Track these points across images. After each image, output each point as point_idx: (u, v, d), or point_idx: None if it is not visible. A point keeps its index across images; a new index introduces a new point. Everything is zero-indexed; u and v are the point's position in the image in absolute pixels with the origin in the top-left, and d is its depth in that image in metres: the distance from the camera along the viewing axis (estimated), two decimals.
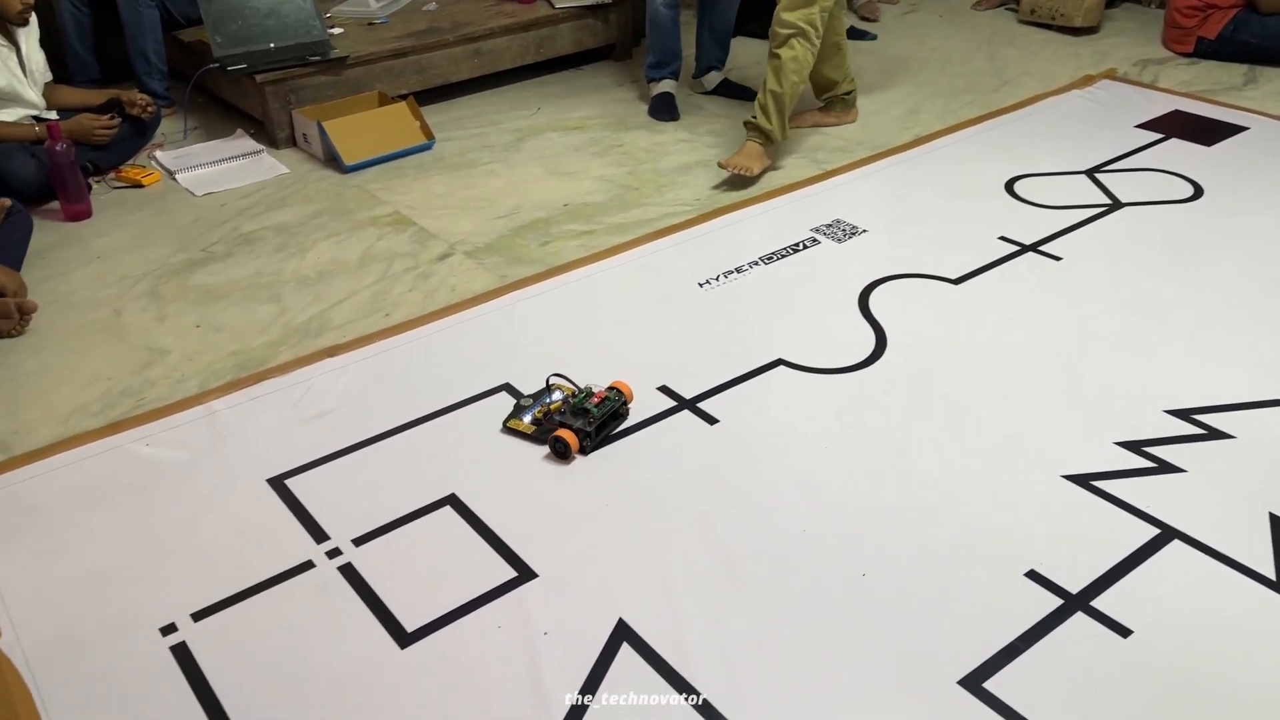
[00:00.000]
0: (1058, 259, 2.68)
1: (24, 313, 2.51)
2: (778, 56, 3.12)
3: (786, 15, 3.09)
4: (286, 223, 3.03)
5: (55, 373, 2.36)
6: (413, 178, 3.31)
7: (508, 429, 2.11)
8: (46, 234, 2.95)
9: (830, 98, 3.51)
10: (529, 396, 2.18)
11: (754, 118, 3.18)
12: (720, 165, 3.15)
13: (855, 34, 4.28)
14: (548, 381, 2.20)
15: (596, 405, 2.08)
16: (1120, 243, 2.75)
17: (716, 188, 3.14)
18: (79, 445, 2.10)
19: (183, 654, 1.63)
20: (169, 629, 1.67)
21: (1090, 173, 3.14)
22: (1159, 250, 2.70)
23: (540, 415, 2.12)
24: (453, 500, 1.94)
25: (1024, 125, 3.51)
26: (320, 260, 2.83)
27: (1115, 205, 2.94)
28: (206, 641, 1.65)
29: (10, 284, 2.50)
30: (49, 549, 1.85)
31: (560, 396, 2.16)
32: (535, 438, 2.08)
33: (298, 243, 2.91)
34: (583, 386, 2.16)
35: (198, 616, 1.70)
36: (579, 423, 2.04)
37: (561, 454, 2.02)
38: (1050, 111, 3.62)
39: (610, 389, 2.14)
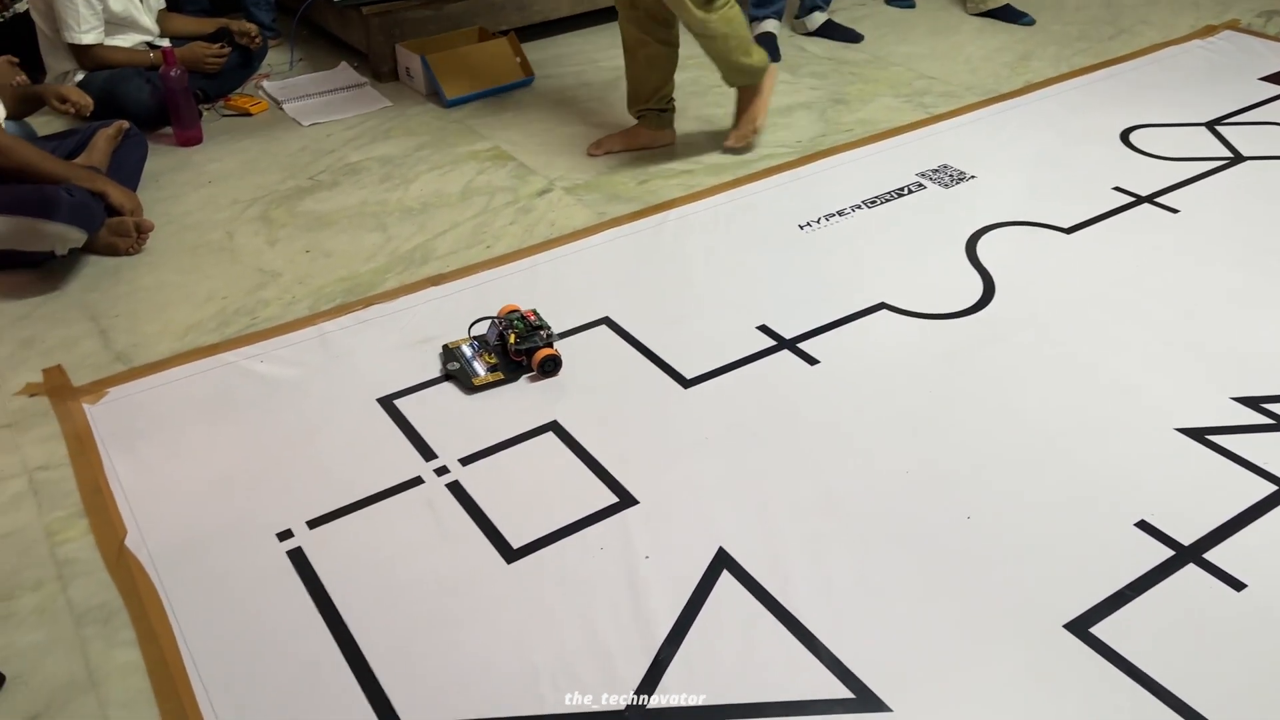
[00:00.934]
0: (1175, 211, 2.59)
1: (141, 231, 2.60)
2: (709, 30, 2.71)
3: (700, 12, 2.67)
4: (390, 155, 3.07)
5: (172, 290, 2.44)
6: (513, 113, 3.33)
7: (475, 388, 2.06)
8: (160, 158, 3.04)
9: (646, 110, 2.96)
10: (453, 355, 2.14)
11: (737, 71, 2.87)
12: (729, 148, 2.97)
13: None
14: (469, 332, 2.19)
15: (528, 320, 2.13)
16: (1241, 197, 2.65)
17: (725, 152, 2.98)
18: (197, 360, 2.18)
19: (299, 558, 1.69)
20: (285, 534, 1.74)
21: (1211, 125, 3.02)
22: None
23: (491, 359, 2.11)
24: (555, 427, 1.97)
25: (1141, 75, 3.38)
26: (423, 192, 2.87)
27: (1236, 159, 2.82)
28: (321, 547, 1.71)
29: (128, 203, 2.58)
30: (170, 455, 1.93)
31: (492, 331, 2.15)
32: (508, 378, 2.08)
33: (401, 174, 2.95)
34: (500, 319, 2.15)
35: (313, 524, 1.76)
36: (540, 337, 2.10)
37: (553, 370, 2.08)
38: (1169, 62, 3.48)
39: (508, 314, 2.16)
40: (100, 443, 1.96)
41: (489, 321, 2.16)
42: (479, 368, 2.09)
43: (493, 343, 2.14)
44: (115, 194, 2.53)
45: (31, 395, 2.10)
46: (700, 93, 3.39)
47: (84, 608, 1.63)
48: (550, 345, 2.08)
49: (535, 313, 2.15)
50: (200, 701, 1.46)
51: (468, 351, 2.12)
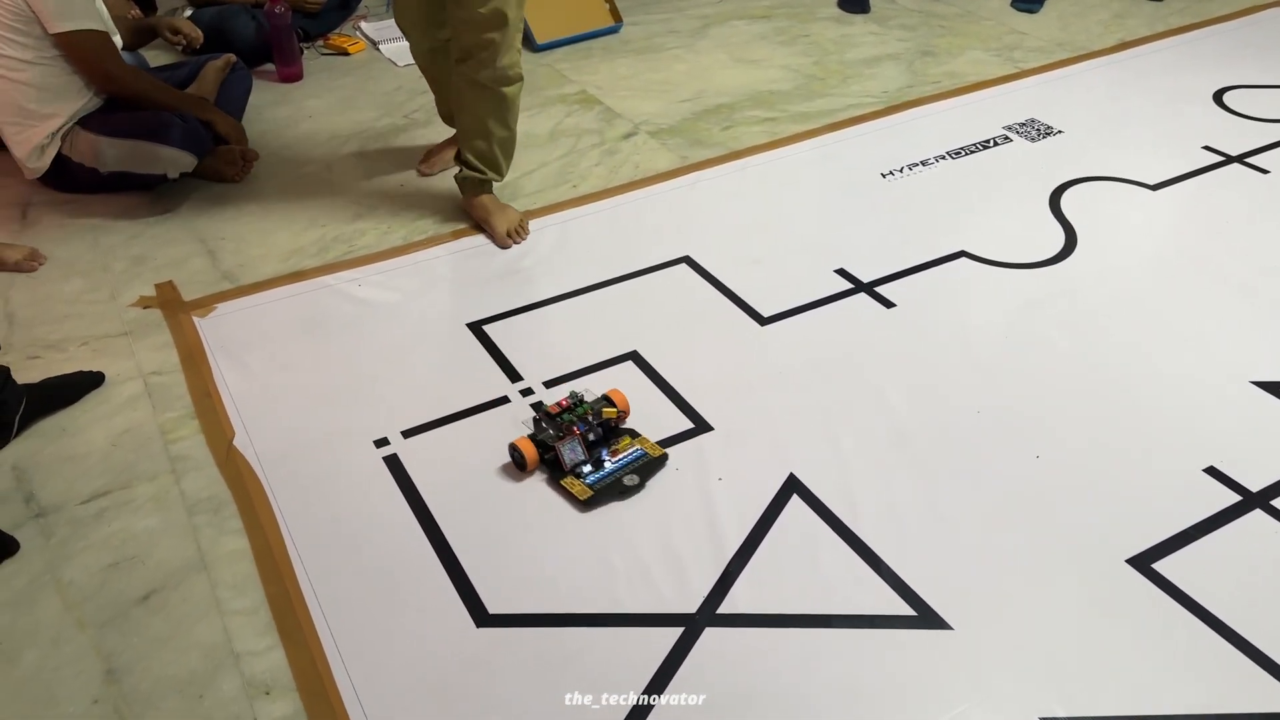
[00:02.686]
0: (1265, 172, 2.56)
1: (247, 160, 2.72)
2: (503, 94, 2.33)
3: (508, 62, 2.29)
4: None
5: (274, 217, 2.56)
6: (600, 59, 3.38)
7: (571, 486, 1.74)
8: (262, 93, 3.16)
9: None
10: (602, 479, 1.73)
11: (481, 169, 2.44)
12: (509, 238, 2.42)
13: None
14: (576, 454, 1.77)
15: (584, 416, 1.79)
16: None
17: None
18: (299, 281, 2.30)
19: (394, 464, 1.80)
20: (382, 442, 1.85)
21: None
22: None
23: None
24: (634, 356, 2.04)
25: (1238, 35, 3.31)
26: None
27: None
28: (415, 455, 1.81)
29: (234, 133, 2.70)
30: (274, 367, 2.05)
31: (574, 449, 1.75)
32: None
33: None
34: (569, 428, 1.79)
35: (407, 434, 1.86)
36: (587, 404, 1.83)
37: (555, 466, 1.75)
38: (1267, 23, 3.40)
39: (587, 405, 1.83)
40: (209, 352, 2.09)
41: (567, 449, 1.74)
42: (632, 453, 1.78)
43: (592, 448, 1.78)
44: (222, 123, 2.65)
45: (145, 307, 2.24)
46: (787, 43, 3.41)
47: (195, 499, 1.76)
48: (615, 408, 1.82)
49: (559, 406, 1.83)
50: (303, 585, 1.58)
51: (604, 472, 1.75)
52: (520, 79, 2.33)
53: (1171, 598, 1.51)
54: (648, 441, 1.81)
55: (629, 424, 1.85)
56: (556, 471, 1.74)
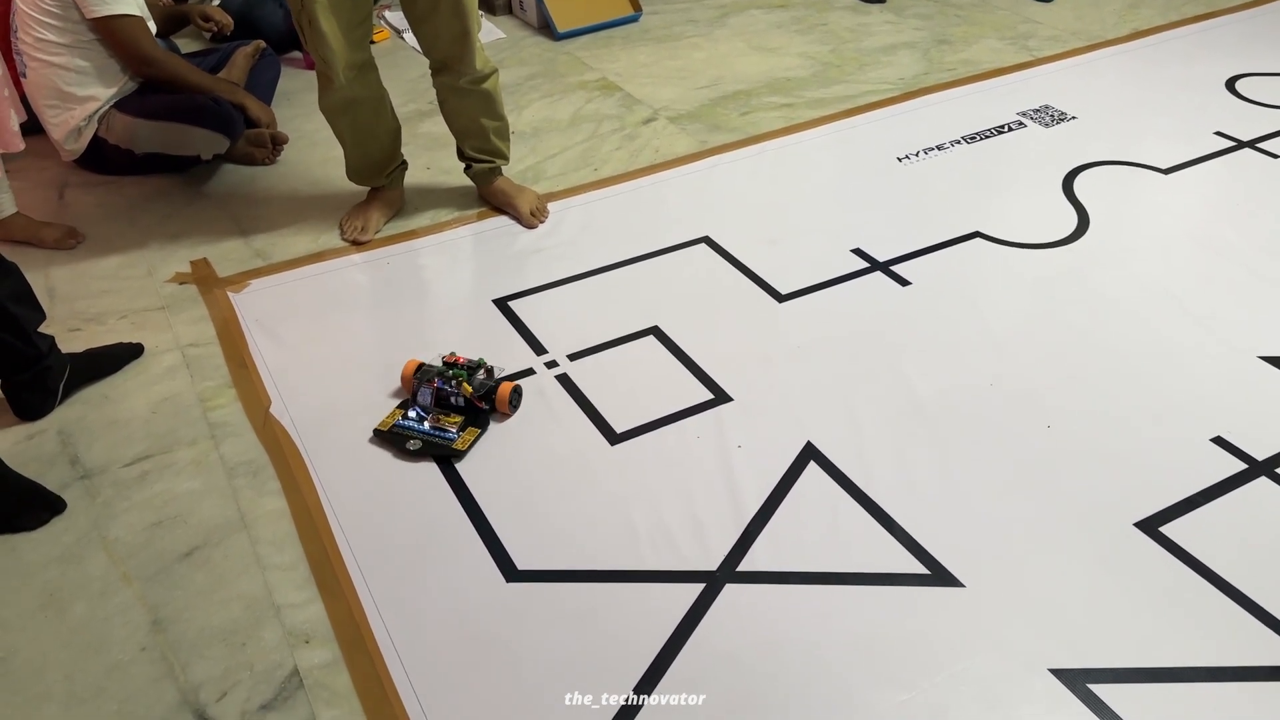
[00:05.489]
0: (1275, 157, 2.60)
1: (277, 143, 2.79)
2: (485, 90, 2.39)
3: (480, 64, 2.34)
4: (503, 83, 3.19)
5: (304, 198, 2.63)
6: (619, 47, 3.44)
7: (461, 451, 1.80)
8: (291, 79, 3.23)
9: (393, 171, 2.51)
10: (401, 437, 1.83)
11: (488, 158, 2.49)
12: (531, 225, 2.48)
13: None
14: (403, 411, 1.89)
15: (461, 365, 1.92)
16: None
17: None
18: (330, 259, 2.37)
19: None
20: None
21: None
22: None
23: (454, 418, 1.86)
24: (656, 331, 2.10)
25: (1251, 24, 3.34)
26: (534, 118, 3.01)
27: None
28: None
29: (264, 116, 2.77)
30: (307, 339, 2.12)
31: (425, 394, 1.88)
32: (483, 428, 1.85)
33: (514, 101, 3.10)
34: (432, 381, 1.89)
35: None
36: (489, 377, 1.91)
37: (519, 401, 1.90)
38: (1279, 12, 3.43)
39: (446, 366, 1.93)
40: (244, 325, 2.16)
41: (420, 390, 1.88)
42: (451, 431, 1.83)
43: (439, 404, 1.88)
44: (253, 106, 2.72)
45: (181, 283, 2.31)
46: (804, 31, 3.45)
47: (234, 462, 1.83)
48: (501, 380, 1.90)
49: (454, 354, 1.94)
50: (340, 543, 1.65)
51: (416, 425, 1.84)
52: (495, 70, 2.39)
53: (1178, 559, 1.56)
54: (471, 435, 1.82)
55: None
56: (405, 403, 1.91)
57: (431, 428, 1.84)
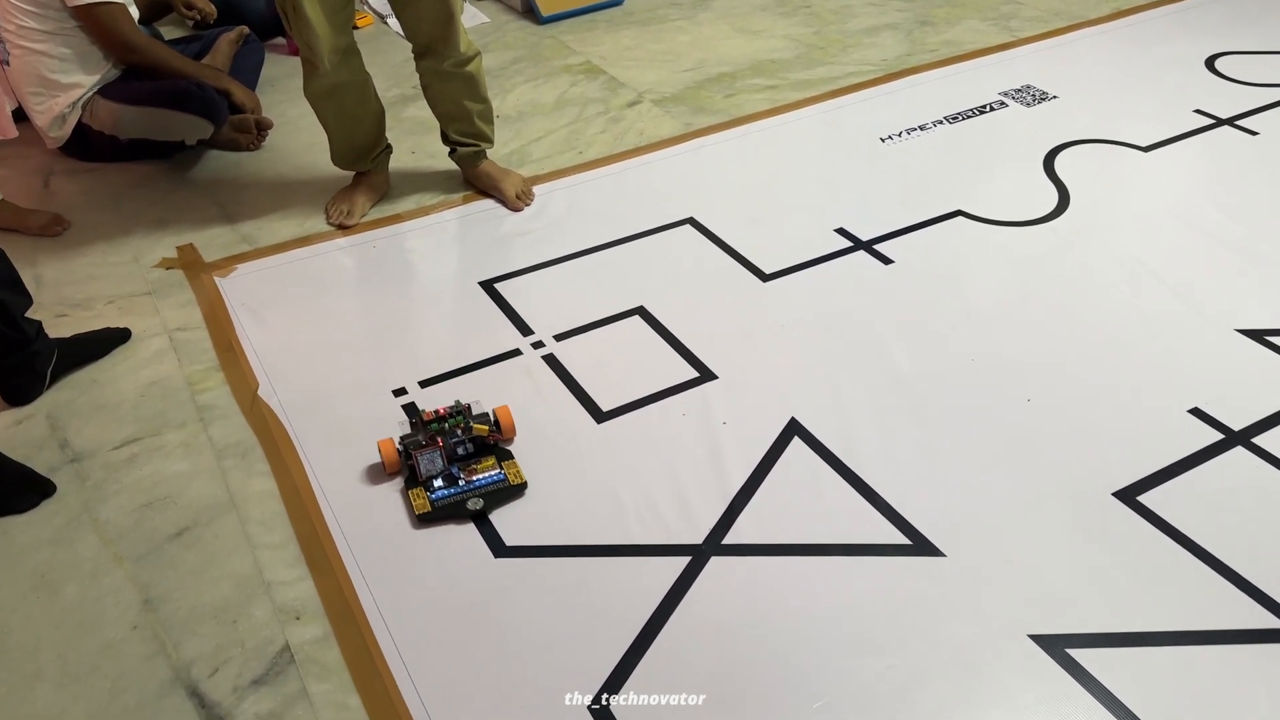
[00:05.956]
0: (1254, 134, 2.63)
1: (262, 129, 2.79)
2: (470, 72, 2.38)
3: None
4: (487, 67, 3.21)
5: (290, 183, 2.63)
6: (604, 31, 3.45)
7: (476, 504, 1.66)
8: (275, 65, 3.23)
9: (378, 155, 2.52)
10: (448, 495, 1.67)
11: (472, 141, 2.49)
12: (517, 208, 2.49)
13: None
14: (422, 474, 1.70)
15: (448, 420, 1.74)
16: None
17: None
18: (316, 243, 2.38)
19: (412, 411, 1.87)
20: (400, 391, 1.93)
21: None
22: None
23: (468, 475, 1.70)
24: (641, 311, 2.12)
25: (1230, 4, 3.36)
26: (519, 102, 3.02)
27: None
28: (433, 403, 1.89)
29: (249, 101, 2.76)
30: (294, 322, 2.13)
31: (433, 459, 1.70)
32: (487, 454, 1.73)
33: (498, 85, 3.10)
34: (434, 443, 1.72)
35: (424, 383, 1.94)
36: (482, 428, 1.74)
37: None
38: None
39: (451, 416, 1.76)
40: (231, 310, 2.16)
41: (425, 459, 1.69)
42: (493, 473, 1.71)
43: (452, 460, 1.72)
44: (238, 91, 2.72)
45: (168, 268, 2.31)
46: (788, 14, 3.47)
47: (223, 444, 1.84)
48: (487, 425, 1.74)
49: (426, 411, 1.77)
50: (329, 522, 1.66)
51: (454, 488, 1.68)
52: (478, 53, 2.39)
53: (1155, 527, 1.58)
54: (514, 466, 1.71)
55: (515, 447, 1.76)
56: (411, 480, 1.68)
57: (468, 483, 1.68)
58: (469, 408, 1.78)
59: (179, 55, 2.68)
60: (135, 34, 2.55)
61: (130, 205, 2.55)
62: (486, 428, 1.74)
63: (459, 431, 1.73)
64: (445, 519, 1.64)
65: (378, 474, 1.75)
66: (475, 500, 1.66)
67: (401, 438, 1.74)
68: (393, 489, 1.72)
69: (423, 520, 1.64)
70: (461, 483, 1.68)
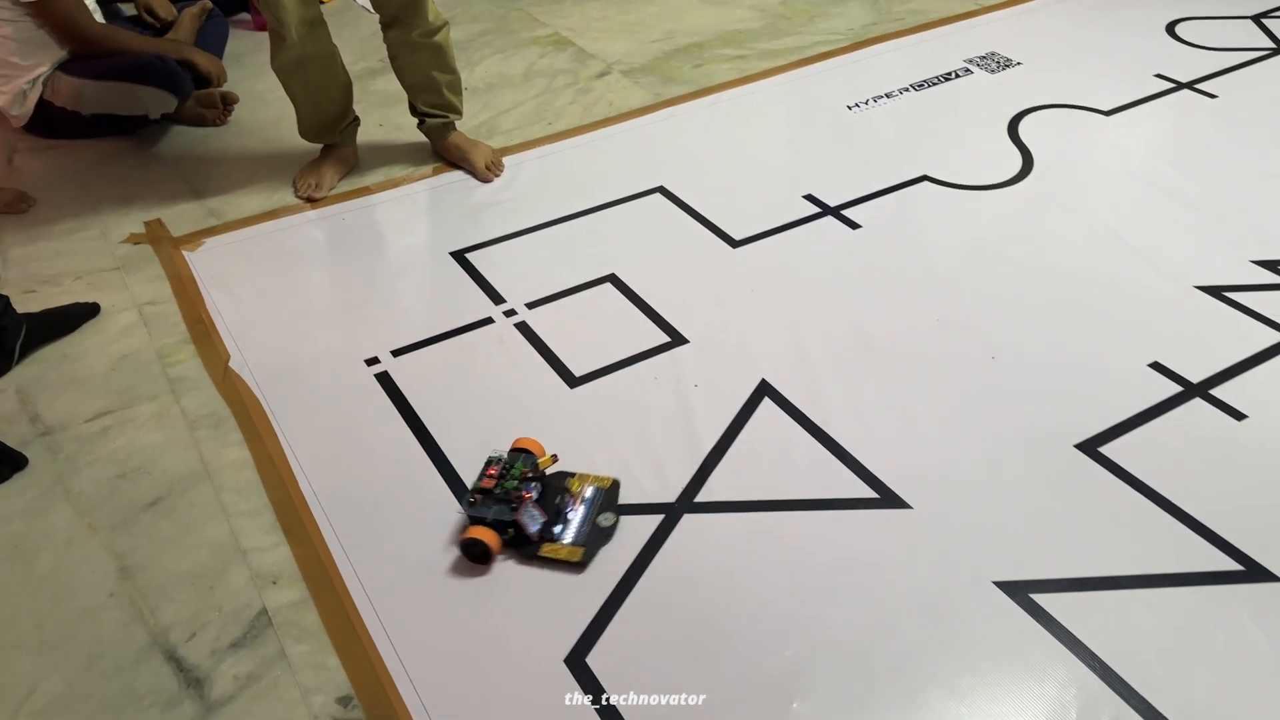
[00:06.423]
0: (1213, 97, 2.67)
1: (227, 104, 2.78)
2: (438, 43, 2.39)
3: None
4: (455, 39, 3.17)
5: (257, 158, 2.62)
6: (571, 2, 3.44)
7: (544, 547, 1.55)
8: (240, 41, 3.20)
9: (347, 127, 2.51)
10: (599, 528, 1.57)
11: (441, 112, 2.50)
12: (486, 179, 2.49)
13: None
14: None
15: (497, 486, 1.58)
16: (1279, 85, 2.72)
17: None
18: (285, 216, 2.37)
19: (385, 380, 1.88)
20: (372, 361, 1.93)
21: (1256, 18, 3.06)
22: None
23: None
24: (613, 279, 2.13)
25: None
26: (488, 74, 3.01)
27: (1279, 49, 2.89)
28: (405, 371, 1.90)
29: (213, 68, 2.71)
30: (264, 295, 2.12)
31: (533, 516, 1.55)
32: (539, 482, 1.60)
33: (466, 58, 3.09)
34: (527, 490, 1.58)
35: (397, 353, 1.95)
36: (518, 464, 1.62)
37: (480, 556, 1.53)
38: None
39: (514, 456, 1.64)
40: (200, 283, 2.16)
41: (526, 516, 1.54)
42: (581, 497, 1.62)
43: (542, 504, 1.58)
44: (202, 60, 2.68)
45: (135, 244, 2.30)
46: None
47: (196, 415, 1.84)
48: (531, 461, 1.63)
49: (492, 479, 1.60)
50: (304, 489, 1.67)
51: (574, 523, 1.57)
52: (446, 23, 2.39)
53: (1116, 476, 1.62)
54: (589, 475, 1.64)
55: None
56: (527, 545, 1.54)
57: (576, 510, 1.59)
58: (504, 457, 1.63)
59: (138, 36, 2.65)
60: (92, 25, 2.52)
61: (96, 181, 2.53)
62: (549, 457, 1.65)
63: (528, 477, 1.59)
64: (598, 549, 1.53)
65: (352, 440, 1.76)
66: (605, 516, 1.57)
67: (479, 520, 1.54)
68: (369, 454, 1.73)
69: (583, 565, 1.51)
70: (572, 515, 1.58)
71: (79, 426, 1.82)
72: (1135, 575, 1.47)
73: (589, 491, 1.62)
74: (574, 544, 1.54)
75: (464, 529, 1.55)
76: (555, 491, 1.60)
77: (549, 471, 1.64)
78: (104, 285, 2.17)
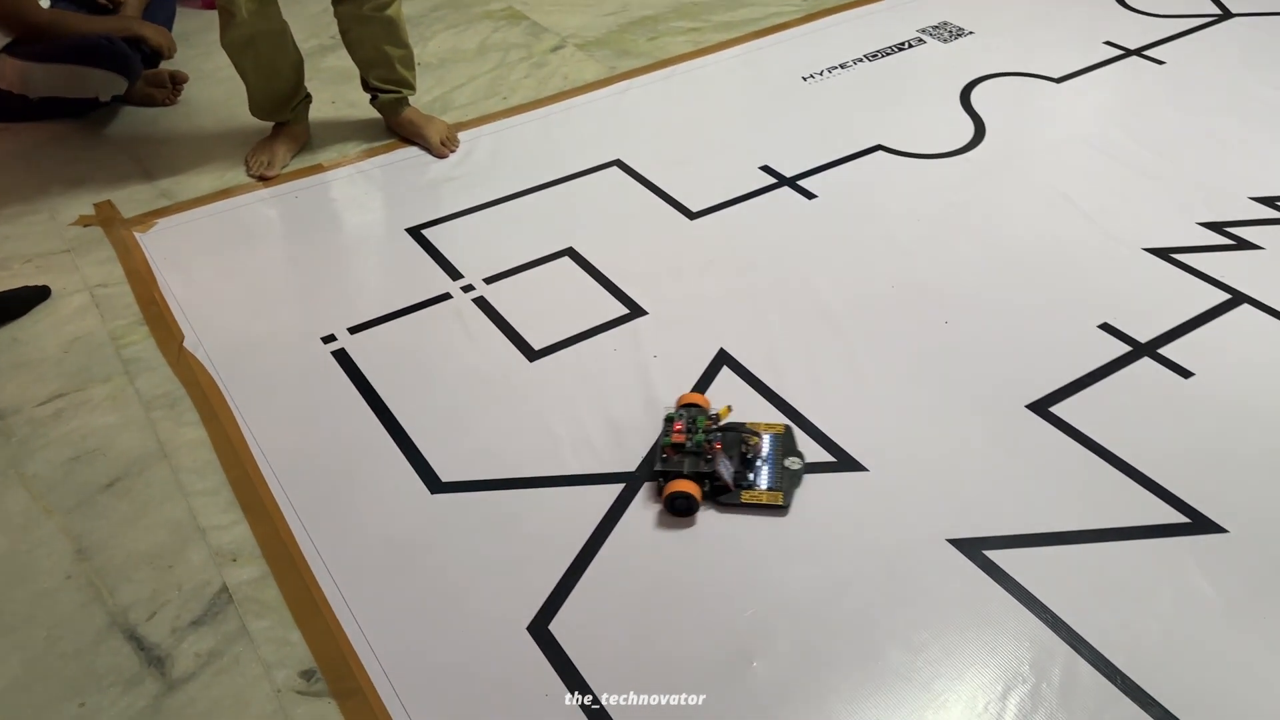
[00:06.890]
0: (1161, 63, 2.70)
1: (177, 83, 2.74)
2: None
3: None
4: (407, 14, 3.13)
5: (208, 137, 2.58)
6: None
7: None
8: (188, 20, 3.14)
9: (298, 104, 2.49)
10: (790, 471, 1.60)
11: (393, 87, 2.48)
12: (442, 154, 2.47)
13: None
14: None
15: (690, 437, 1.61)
16: (1226, 50, 2.76)
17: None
18: (238, 195, 2.35)
19: (343, 358, 1.88)
20: (329, 338, 1.92)
21: None
22: (1267, 57, 2.71)
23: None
24: (571, 252, 2.13)
25: None
26: (441, 49, 2.99)
27: (1225, 15, 2.92)
28: (363, 349, 1.89)
29: (163, 40, 2.64)
30: (218, 274, 2.10)
31: (730, 463, 1.59)
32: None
33: (418, 33, 3.06)
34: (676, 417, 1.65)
35: (354, 330, 1.94)
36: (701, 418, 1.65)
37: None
38: None
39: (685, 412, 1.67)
40: (153, 264, 2.13)
41: (722, 463, 1.57)
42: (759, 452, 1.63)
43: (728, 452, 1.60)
44: (150, 33, 2.63)
45: (85, 225, 2.27)
46: None
47: (150, 396, 1.82)
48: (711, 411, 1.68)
49: (682, 433, 1.61)
50: (261, 467, 1.67)
51: (761, 471, 1.60)
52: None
53: (1067, 435, 1.65)
54: (761, 424, 1.67)
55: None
56: (725, 494, 1.56)
57: (760, 456, 1.61)
58: (682, 413, 1.66)
59: (86, 18, 2.59)
60: (37, 14, 2.47)
61: (45, 164, 2.49)
62: (726, 408, 1.68)
63: (713, 429, 1.62)
64: (794, 493, 1.56)
65: (309, 418, 1.75)
66: (792, 460, 1.61)
67: (676, 473, 1.55)
68: (328, 431, 1.72)
69: (786, 508, 1.55)
70: (761, 464, 1.60)
71: (31, 410, 1.80)
72: (1085, 530, 1.50)
73: (770, 439, 1.64)
74: (771, 489, 1.57)
75: (660, 487, 1.55)
76: (735, 441, 1.62)
77: (724, 423, 1.66)
78: (54, 268, 2.14)
